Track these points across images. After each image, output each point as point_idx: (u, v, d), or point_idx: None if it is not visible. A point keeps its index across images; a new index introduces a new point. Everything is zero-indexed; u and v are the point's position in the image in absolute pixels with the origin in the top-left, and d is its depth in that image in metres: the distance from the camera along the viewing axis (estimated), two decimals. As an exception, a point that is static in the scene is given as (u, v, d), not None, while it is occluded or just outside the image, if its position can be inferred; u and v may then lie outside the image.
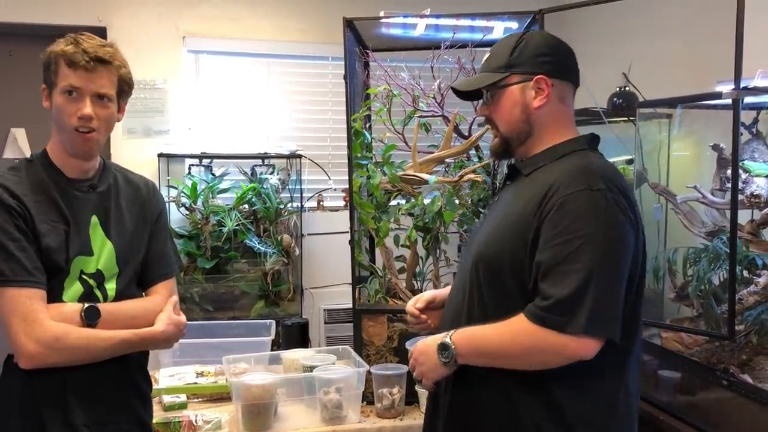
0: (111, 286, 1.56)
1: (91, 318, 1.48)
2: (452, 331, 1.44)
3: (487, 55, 1.56)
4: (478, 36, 2.50)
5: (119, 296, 1.57)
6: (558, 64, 1.48)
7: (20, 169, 1.51)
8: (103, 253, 1.55)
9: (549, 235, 1.33)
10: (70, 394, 1.47)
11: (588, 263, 1.28)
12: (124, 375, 1.58)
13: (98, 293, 1.54)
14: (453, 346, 1.41)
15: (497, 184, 2.48)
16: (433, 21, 2.57)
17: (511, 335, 1.35)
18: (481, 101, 1.59)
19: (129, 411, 1.60)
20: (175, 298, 1.67)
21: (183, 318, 1.64)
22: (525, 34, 1.51)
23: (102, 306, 1.51)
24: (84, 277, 1.52)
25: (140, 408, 1.63)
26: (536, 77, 1.45)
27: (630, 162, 2.66)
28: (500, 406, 1.40)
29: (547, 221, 1.34)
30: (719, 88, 1.94)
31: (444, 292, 1.70)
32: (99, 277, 1.55)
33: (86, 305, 1.49)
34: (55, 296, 1.47)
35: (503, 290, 1.40)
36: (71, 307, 1.48)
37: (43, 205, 1.48)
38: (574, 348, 1.29)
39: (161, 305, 1.61)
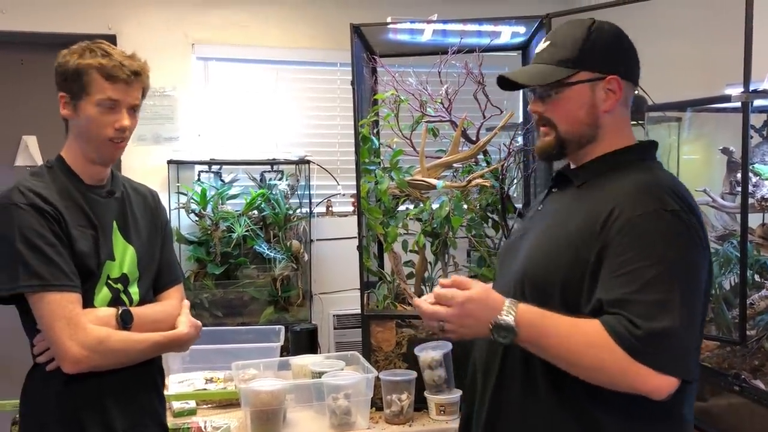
0: (134, 290, 1.60)
1: (126, 321, 1.51)
2: (516, 303, 1.22)
3: (546, 44, 1.38)
4: (485, 41, 2.49)
5: (142, 300, 1.61)
6: (630, 63, 1.36)
7: (43, 175, 1.52)
8: (126, 258, 1.58)
9: (618, 260, 1.18)
10: (107, 397, 1.50)
11: (668, 295, 1.15)
12: (149, 378, 1.63)
13: (124, 297, 1.57)
14: (515, 326, 1.19)
15: (505, 190, 2.48)
16: (440, 26, 2.57)
17: (587, 341, 1.18)
18: (532, 95, 1.40)
19: (154, 412, 1.65)
20: (187, 302, 1.72)
21: (198, 321, 1.68)
22: (594, 24, 1.34)
23: (132, 310, 1.55)
24: (110, 281, 1.54)
25: (160, 409, 1.68)
26: (609, 77, 1.31)
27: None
28: (540, 425, 1.29)
29: (613, 245, 1.20)
30: (728, 91, 1.92)
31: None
32: (124, 281, 1.57)
33: (121, 309, 1.52)
34: (86, 301, 1.49)
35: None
36: (106, 311, 1.51)
37: (72, 210, 1.49)
38: (654, 384, 1.15)
39: (178, 309, 1.67)
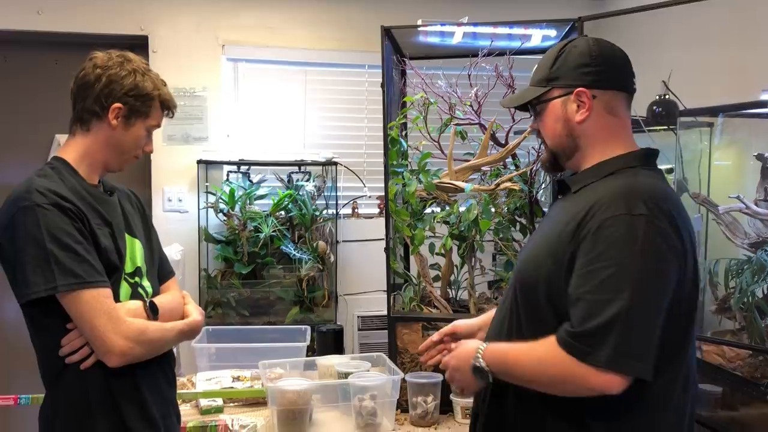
0: (146, 283, 1.63)
1: (155, 312, 1.56)
2: (484, 346, 1.39)
3: (535, 67, 1.49)
4: (516, 44, 2.49)
5: (154, 293, 1.65)
6: (601, 73, 1.39)
7: (51, 175, 1.51)
8: (135, 253, 1.61)
9: (581, 261, 1.26)
10: (143, 388, 1.53)
11: (618, 294, 1.21)
12: (169, 368, 1.68)
13: (141, 291, 1.60)
14: (487, 368, 1.37)
15: (534, 194, 2.47)
16: (470, 29, 2.57)
17: (539, 360, 1.29)
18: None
19: (174, 404, 1.70)
20: (186, 292, 1.78)
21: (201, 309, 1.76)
22: (568, 44, 1.44)
23: (155, 300, 1.59)
24: (126, 276, 1.56)
25: (176, 399, 1.73)
26: (576, 90, 1.39)
27: (670, 171, 2.62)
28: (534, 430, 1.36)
29: (582, 246, 1.27)
30: (765, 97, 1.90)
31: (468, 323, 1.70)
32: (139, 274, 1.60)
33: (148, 301, 1.57)
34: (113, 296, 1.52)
35: (538, 314, 1.35)
36: (135, 303, 1.54)
37: (88, 209, 1.50)
38: (597, 382, 1.21)
39: (182, 298, 1.72)
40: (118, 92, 1.54)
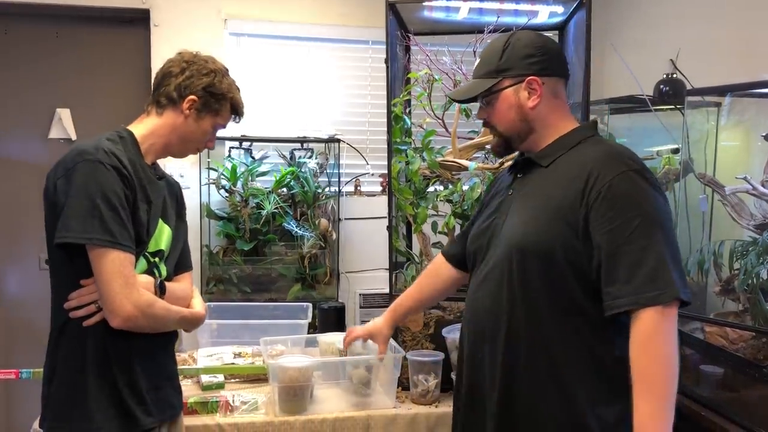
0: (163, 267, 1.70)
1: (162, 292, 1.63)
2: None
3: (477, 62, 1.63)
4: (522, 20, 2.45)
5: (167, 278, 1.71)
6: (546, 62, 1.54)
7: (118, 142, 1.60)
8: (163, 236, 1.68)
9: (604, 220, 1.39)
10: (134, 358, 1.58)
11: (652, 238, 1.36)
12: (170, 344, 1.75)
13: (155, 271, 1.66)
14: None
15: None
16: (476, 4, 2.53)
17: (648, 356, 1.36)
18: (478, 105, 1.65)
19: (173, 377, 1.75)
20: (196, 288, 1.86)
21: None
22: (510, 37, 1.57)
23: (165, 283, 1.66)
24: (147, 254, 1.63)
25: (176, 375, 1.78)
26: (528, 78, 1.53)
27: (676, 151, 2.60)
28: (554, 400, 1.44)
29: (597, 207, 1.40)
30: (774, 76, 1.87)
31: (370, 327, 1.99)
32: (159, 256, 1.67)
33: (159, 280, 1.63)
34: None
35: (557, 278, 1.44)
36: (147, 278, 1.61)
37: (138, 183, 1.59)
38: (674, 314, 1.36)
39: (191, 291, 1.79)
40: (197, 86, 1.68)
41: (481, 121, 1.66)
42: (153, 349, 1.64)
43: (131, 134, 1.66)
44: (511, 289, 1.49)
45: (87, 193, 1.48)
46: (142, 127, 1.69)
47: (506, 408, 1.48)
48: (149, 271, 1.63)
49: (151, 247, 1.64)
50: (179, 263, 1.79)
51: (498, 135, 1.61)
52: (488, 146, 2.48)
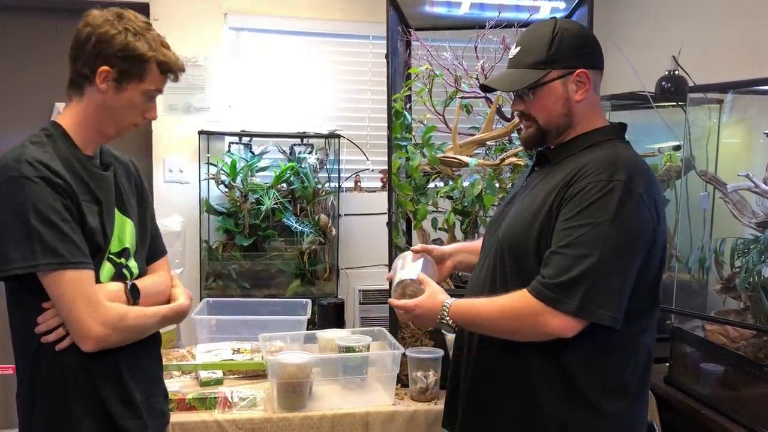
0: (133, 264, 1.56)
1: (135, 296, 1.50)
2: (449, 302, 1.54)
3: (517, 50, 1.55)
4: (524, 15, 2.44)
5: (140, 274, 1.58)
6: (593, 54, 1.51)
7: (45, 144, 1.42)
8: (125, 232, 1.54)
9: (561, 220, 1.40)
10: (123, 371, 1.47)
11: (591, 251, 1.34)
12: (155, 349, 1.63)
13: (125, 272, 1.53)
14: (452, 324, 1.54)
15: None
16: (478, 0, 2.51)
17: (501, 306, 1.44)
18: (514, 95, 1.59)
19: (160, 382, 1.66)
20: (175, 273, 1.73)
21: (189, 291, 1.69)
22: (556, 26, 1.51)
23: (137, 283, 1.52)
24: (111, 256, 1.49)
25: (163, 379, 1.69)
26: (578, 71, 1.48)
27: (677, 148, 2.59)
28: (519, 378, 1.49)
29: (564, 207, 1.40)
30: (777, 73, 1.86)
31: (440, 248, 1.86)
32: (126, 255, 1.53)
33: (129, 284, 1.50)
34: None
35: (528, 275, 1.44)
36: (115, 286, 1.47)
37: (78, 184, 1.42)
38: (554, 325, 1.36)
39: (170, 280, 1.65)
40: (107, 53, 1.42)
41: (503, 113, 1.65)
42: (141, 355, 1.53)
43: (59, 128, 1.46)
44: (493, 282, 1.54)
45: (19, 216, 1.31)
46: (69, 117, 1.48)
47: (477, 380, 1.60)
48: (118, 274, 1.50)
49: (115, 247, 1.49)
50: (151, 251, 1.64)
51: (536, 127, 1.54)
52: (490, 142, 2.47)
